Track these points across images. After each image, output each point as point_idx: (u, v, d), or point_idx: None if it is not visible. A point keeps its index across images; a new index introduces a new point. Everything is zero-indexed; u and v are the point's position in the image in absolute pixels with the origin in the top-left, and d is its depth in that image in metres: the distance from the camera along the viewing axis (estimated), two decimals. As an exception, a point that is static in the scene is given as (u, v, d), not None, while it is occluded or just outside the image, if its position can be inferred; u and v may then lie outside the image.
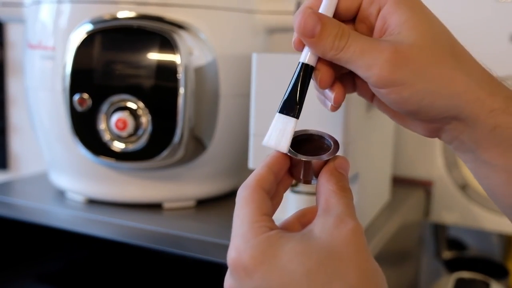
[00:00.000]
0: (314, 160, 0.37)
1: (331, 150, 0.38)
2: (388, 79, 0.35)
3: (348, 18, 0.39)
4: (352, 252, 0.32)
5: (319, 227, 0.34)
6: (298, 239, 0.33)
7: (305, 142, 0.39)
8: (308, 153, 0.38)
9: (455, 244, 0.94)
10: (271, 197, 0.37)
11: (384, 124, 0.70)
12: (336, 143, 0.39)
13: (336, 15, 0.38)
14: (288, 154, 0.38)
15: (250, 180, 0.37)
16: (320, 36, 0.36)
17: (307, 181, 0.39)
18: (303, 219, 0.39)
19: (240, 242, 0.33)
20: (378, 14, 0.37)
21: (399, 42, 0.35)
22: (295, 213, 0.39)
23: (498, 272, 0.84)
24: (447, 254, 0.91)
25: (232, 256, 0.33)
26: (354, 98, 0.54)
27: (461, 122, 0.36)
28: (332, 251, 0.32)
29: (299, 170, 0.38)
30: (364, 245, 0.33)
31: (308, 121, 0.55)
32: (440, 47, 0.36)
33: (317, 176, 0.38)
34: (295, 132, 0.39)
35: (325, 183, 0.36)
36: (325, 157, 0.37)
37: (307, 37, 0.37)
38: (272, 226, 0.34)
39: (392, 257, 0.72)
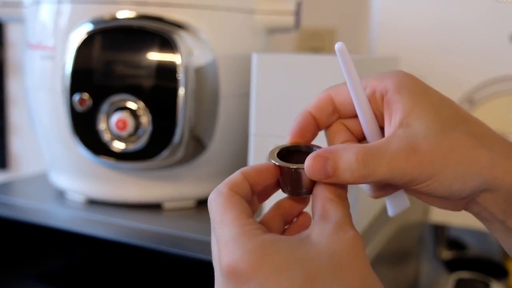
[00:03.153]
0: (294, 168, 0.36)
1: None
2: (416, 180, 0.35)
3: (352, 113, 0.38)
4: (352, 260, 0.31)
5: (317, 233, 0.32)
6: (296, 245, 0.32)
7: (294, 155, 0.38)
8: (298, 163, 0.36)
9: (455, 244, 0.94)
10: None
11: (384, 124, 0.70)
12: None
13: (345, 107, 0.38)
14: (276, 164, 0.36)
15: (221, 186, 0.35)
16: (336, 175, 0.35)
17: (298, 193, 0.37)
18: (281, 211, 0.38)
19: (234, 247, 0.32)
20: (382, 101, 0.37)
21: (414, 139, 0.34)
22: (272, 207, 0.38)
23: (498, 272, 0.84)
24: (447, 254, 0.91)
25: (227, 263, 0.32)
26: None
27: (491, 194, 0.36)
28: (332, 258, 0.31)
29: (287, 182, 0.37)
30: (364, 254, 0.32)
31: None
32: (453, 128, 0.35)
33: (306, 188, 0.36)
34: (282, 146, 0.38)
35: (322, 190, 0.35)
36: (299, 166, 0.36)
37: (324, 180, 0.35)
38: (263, 229, 0.33)
39: (392, 257, 0.72)
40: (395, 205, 0.42)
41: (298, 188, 0.37)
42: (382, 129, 0.38)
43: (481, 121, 0.37)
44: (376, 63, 0.66)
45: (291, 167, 0.36)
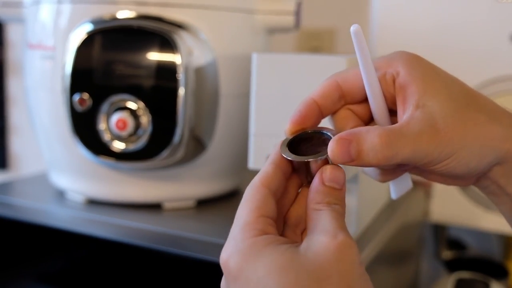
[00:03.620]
0: (311, 161, 0.35)
1: (326, 148, 0.35)
2: (436, 160, 0.35)
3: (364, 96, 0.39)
4: (335, 273, 0.31)
5: (304, 244, 0.33)
6: (282, 252, 0.32)
7: (306, 141, 0.37)
8: (309, 151, 0.36)
9: (455, 244, 0.94)
10: (281, 196, 0.36)
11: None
12: (335, 135, 0.36)
13: (353, 93, 0.38)
14: (284, 156, 0.36)
15: (255, 178, 0.35)
16: (360, 158, 0.35)
17: (310, 182, 0.36)
18: (305, 198, 0.37)
19: (231, 244, 0.33)
20: (394, 83, 0.37)
21: (432, 120, 0.35)
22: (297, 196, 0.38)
23: (498, 272, 0.84)
24: (447, 254, 0.91)
25: (223, 258, 0.33)
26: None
27: (502, 167, 0.37)
28: (314, 271, 0.31)
29: (300, 171, 0.37)
30: (354, 258, 0.32)
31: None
32: (465, 106, 0.36)
33: None
34: (297, 133, 0.38)
35: (309, 203, 0.35)
36: (313, 157, 0.35)
37: (348, 163, 0.35)
38: (266, 229, 0.33)
39: (392, 257, 0.72)
40: (398, 187, 0.42)
41: (308, 177, 0.37)
42: (390, 111, 0.39)
43: (489, 98, 0.38)
44: (376, 63, 0.66)
45: (297, 160, 0.36)
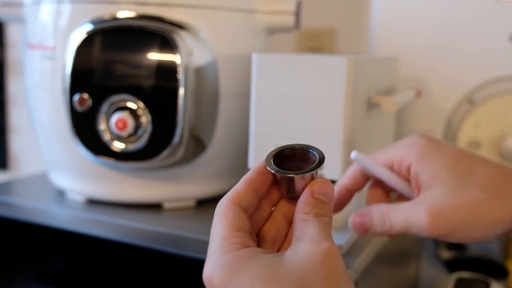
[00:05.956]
0: (296, 176, 0.36)
1: (311, 165, 0.37)
2: (436, 235, 0.40)
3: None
4: (320, 279, 0.31)
5: (290, 252, 0.33)
6: (266, 263, 0.32)
7: (290, 157, 0.38)
8: (293, 167, 0.37)
9: (455, 244, 0.94)
10: (254, 212, 0.37)
11: (384, 124, 0.70)
12: (320, 155, 0.37)
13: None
14: (268, 169, 0.37)
15: (225, 197, 0.36)
16: (371, 228, 0.43)
17: (293, 197, 0.37)
18: (281, 211, 0.39)
19: (212, 260, 0.33)
20: (408, 172, 0.43)
21: (434, 201, 0.40)
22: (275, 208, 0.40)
23: (498, 272, 0.84)
24: (447, 254, 0.91)
25: (205, 274, 0.33)
26: (354, 98, 0.54)
27: None
28: (299, 278, 0.31)
29: (282, 186, 0.38)
30: (338, 266, 0.32)
31: (308, 120, 0.55)
32: (468, 182, 0.40)
33: (299, 193, 0.37)
34: (280, 147, 0.38)
35: (297, 213, 0.36)
36: (300, 172, 0.36)
37: (365, 233, 0.44)
38: (246, 242, 0.34)
39: (392, 257, 0.72)
40: None
41: (291, 193, 0.37)
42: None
43: (492, 165, 0.42)
44: (376, 63, 0.66)
45: (283, 174, 0.36)
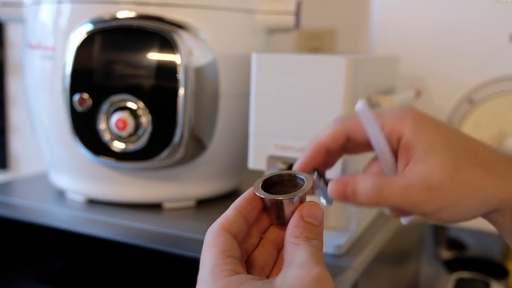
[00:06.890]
0: (285, 200, 0.36)
1: (298, 189, 0.37)
2: (426, 211, 0.38)
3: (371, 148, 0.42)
4: None
5: (281, 278, 0.33)
6: None
7: (278, 183, 0.39)
8: (281, 193, 0.37)
9: (455, 244, 0.94)
10: (243, 239, 0.37)
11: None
12: (308, 180, 0.38)
13: (357, 142, 0.41)
14: (257, 194, 0.37)
15: (215, 223, 0.36)
16: (354, 198, 0.39)
17: (282, 223, 0.38)
18: (271, 238, 0.39)
19: (203, 287, 0.34)
20: (398, 142, 0.40)
21: (428, 177, 0.38)
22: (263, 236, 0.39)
23: (498, 272, 0.84)
24: (447, 254, 0.91)
25: None
26: (354, 97, 0.54)
27: (499, 212, 0.39)
28: None
29: (271, 212, 0.38)
30: None
31: (308, 120, 0.55)
32: (464, 161, 0.39)
33: (289, 218, 0.37)
34: (268, 175, 0.38)
35: (288, 237, 0.36)
36: (289, 196, 0.36)
37: (344, 200, 0.39)
38: (236, 269, 0.34)
39: (392, 257, 0.72)
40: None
41: (281, 218, 0.38)
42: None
43: (488, 146, 0.40)
44: (376, 63, 0.66)
45: (271, 198, 0.37)
